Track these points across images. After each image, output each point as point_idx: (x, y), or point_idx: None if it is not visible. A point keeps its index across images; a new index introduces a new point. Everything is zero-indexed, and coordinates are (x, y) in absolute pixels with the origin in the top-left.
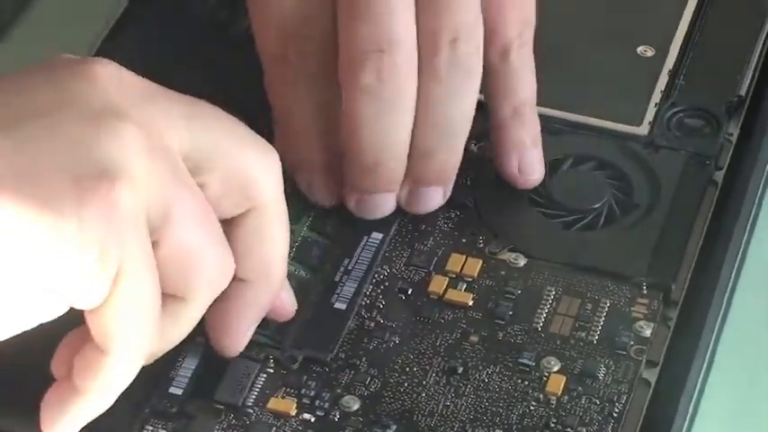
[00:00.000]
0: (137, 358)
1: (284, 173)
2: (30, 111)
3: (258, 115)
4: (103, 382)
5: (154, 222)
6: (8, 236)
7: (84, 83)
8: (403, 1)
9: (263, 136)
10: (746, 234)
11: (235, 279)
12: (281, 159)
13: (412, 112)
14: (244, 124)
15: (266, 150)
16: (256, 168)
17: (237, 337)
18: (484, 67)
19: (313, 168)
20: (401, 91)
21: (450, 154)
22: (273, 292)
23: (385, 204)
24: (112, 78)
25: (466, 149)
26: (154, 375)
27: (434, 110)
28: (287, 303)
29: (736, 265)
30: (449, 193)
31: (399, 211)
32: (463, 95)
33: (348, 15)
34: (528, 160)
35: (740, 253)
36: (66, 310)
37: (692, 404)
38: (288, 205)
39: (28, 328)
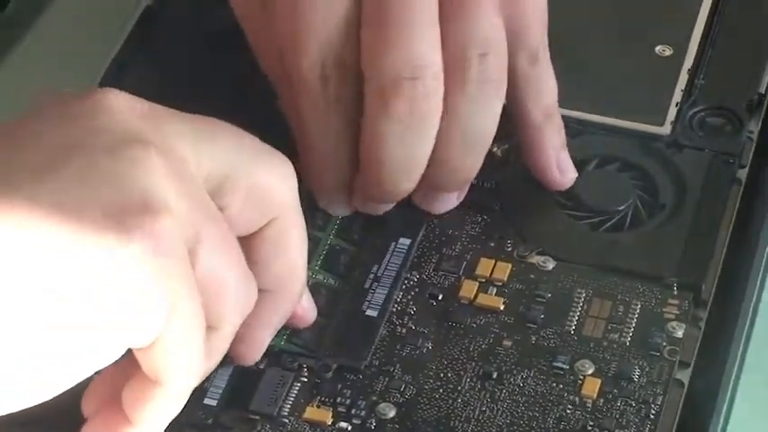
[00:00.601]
0: (189, 386)
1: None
2: (54, 154)
3: (270, 129)
4: (157, 412)
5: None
6: (63, 286)
7: (101, 115)
8: (429, 20)
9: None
10: None
11: None
12: (301, 176)
13: (437, 128)
14: (256, 138)
15: (281, 162)
16: (273, 181)
17: (256, 346)
18: (511, 73)
19: (334, 186)
20: (430, 115)
21: (472, 165)
22: (294, 301)
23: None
24: (127, 107)
25: (489, 153)
26: None
27: (461, 124)
28: (307, 310)
29: (763, 263)
30: (464, 195)
31: (426, 217)
32: (492, 108)
33: (375, 39)
34: (564, 160)
35: (766, 252)
36: (125, 351)
37: (726, 403)
38: (313, 213)
39: (88, 375)
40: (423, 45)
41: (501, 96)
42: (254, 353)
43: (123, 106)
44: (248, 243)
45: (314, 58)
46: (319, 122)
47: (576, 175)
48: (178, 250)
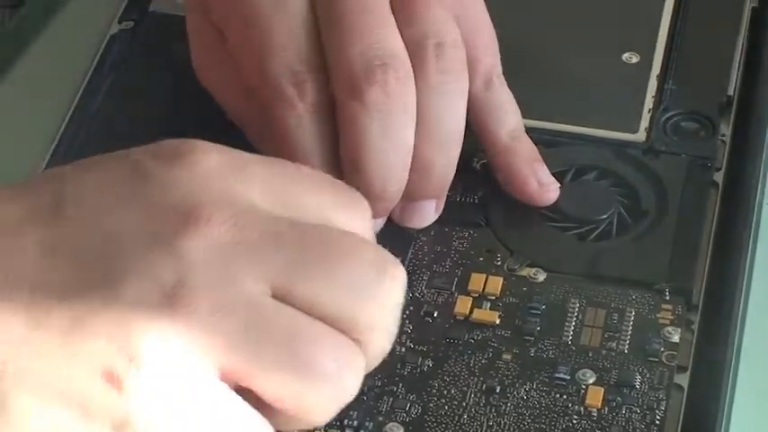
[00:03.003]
0: None
1: None
2: None
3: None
4: None
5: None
6: None
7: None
8: (386, 12)
9: None
10: (753, 232)
11: None
12: None
13: (415, 118)
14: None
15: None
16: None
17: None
18: (469, 98)
19: None
20: (406, 99)
21: (446, 165)
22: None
23: (380, 224)
24: (198, 241)
25: (470, 168)
26: None
27: (429, 119)
28: None
29: (748, 264)
30: (441, 208)
31: (413, 236)
32: (453, 100)
33: (338, 37)
34: (542, 173)
35: (750, 251)
36: None
37: (727, 405)
38: None
39: None
40: (385, 34)
41: (463, 90)
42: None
43: (198, 241)
44: None
45: (281, 63)
46: (301, 133)
47: (559, 188)
48: None
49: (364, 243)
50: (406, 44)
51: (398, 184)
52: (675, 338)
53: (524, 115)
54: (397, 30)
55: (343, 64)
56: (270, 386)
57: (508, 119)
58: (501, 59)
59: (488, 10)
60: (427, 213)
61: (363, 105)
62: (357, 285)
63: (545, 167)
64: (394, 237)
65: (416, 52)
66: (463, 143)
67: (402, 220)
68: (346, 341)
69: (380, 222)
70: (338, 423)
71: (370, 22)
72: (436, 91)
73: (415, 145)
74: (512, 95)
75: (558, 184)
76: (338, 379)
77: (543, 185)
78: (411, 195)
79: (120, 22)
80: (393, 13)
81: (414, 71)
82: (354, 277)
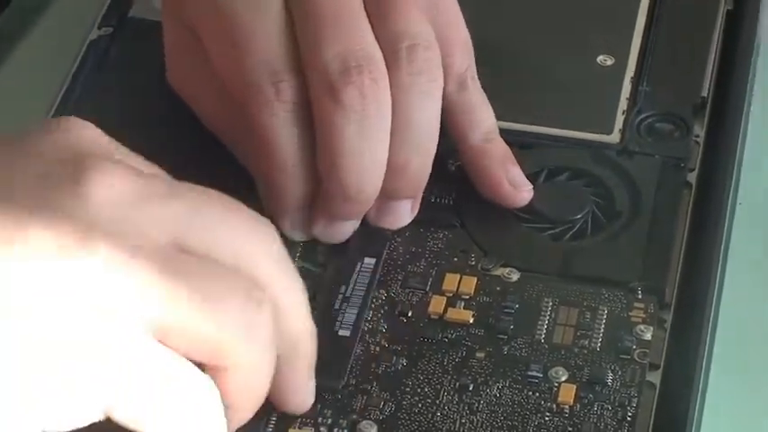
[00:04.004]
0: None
1: None
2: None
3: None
4: None
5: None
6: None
7: (70, 198)
8: (360, 14)
9: None
10: (726, 232)
11: None
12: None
13: (389, 129)
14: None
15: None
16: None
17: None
18: (443, 100)
19: (296, 206)
20: (381, 100)
21: (422, 165)
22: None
23: (352, 227)
24: (101, 190)
25: (445, 170)
26: None
27: (404, 119)
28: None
29: (720, 263)
30: (417, 209)
31: (389, 236)
32: (428, 102)
33: (313, 39)
34: (515, 174)
35: (723, 251)
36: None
37: (698, 402)
38: None
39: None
40: (360, 35)
41: (435, 92)
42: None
43: (101, 190)
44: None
45: (259, 62)
46: (278, 132)
47: (532, 189)
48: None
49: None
50: (380, 45)
51: (374, 185)
52: (647, 336)
53: (500, 117)
54: (372, 31)
55: (319, 65)
56: (188, 331)
57: (481, 121)
58: (477, 61)
59: (465, 12)
60: (403, 214)
61: (339, 106)
62: (250, 228)
63: (518, 169)
64: (369, 237)
65: (390, 53)
66: (439, 145)
67: (377, 220)
68: (247, 279)
69: (356, 223)
70: (311, 421)
71: (345, 24)
72: (409, 92)
73: (390, 145)
74: (485, 97)
75: (531, 186)
76: (250, 311)
77: (516, 187)
78: (386, 195)
79: (99, 28)
80: (367, 14)
81: (388, 72)
82: (247, 223)
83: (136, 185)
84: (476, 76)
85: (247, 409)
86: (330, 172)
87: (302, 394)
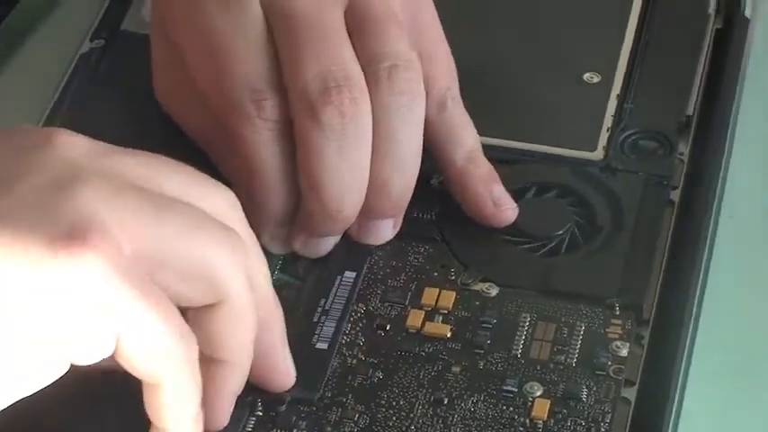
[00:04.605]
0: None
1: None
2: None
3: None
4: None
5: (144, 264)
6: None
7: (42, 151)
8: (341, 34)
9: None
10: (707, 250)
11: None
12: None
13: (370, 148)
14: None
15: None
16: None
17: (220, 412)
18: (425, 122)
19: (277, 220)
20: (361, 119)
21: (404, 184)
22: (243, 375)
23: (333, 243)
24: (70, 143)
25: (428, 185)
26: (148, 423)
27: (385, 138)
28: (285, 375)
29: (700, 281)
30: (399, 225)
31: (370, 250)
32: (409, 121)
33: (294, 58)
34: (499, 194)
35: (703, 269)
36: (68, 368)
37: (673, 419)
38: None
39: (32, 392)
40: (341, 55)
41: (416, 110)
42: (217, 419)
43: (66, 143)
44: (197, 318)
45: (241, 81)
46: (261, 150)
47: (517, 208)
48: (119, 263)
49: None
50: (361, 64)
51: (354, 204)
52: (623, 353)
53: (484, 132)
54: (352, 50)
55: (299, 85)
56: (178, 260)
57: (463, 141)
58: (464, 77)
59: (453, 27)
60: (384, 231)
61: (319, 126)
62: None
63: (501, 188)
64: (350, 251)
65: (371, 74)
66: (422, 162)
67: (359, 237)
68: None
69: (337, 238)
70: None
71: (326, 43)
72: (390, 112)
73: (372, 164)
74: (467, 117)
75: (515, 205)
76: (233, 236)
77: (498, 206)
78: (369, 214)
79: (91, 40)
80: (349, 32)
81: (369, 91)
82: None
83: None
84: (457, 96)
85: (241, 353)
86: (311, 190)
87: (283, 365)
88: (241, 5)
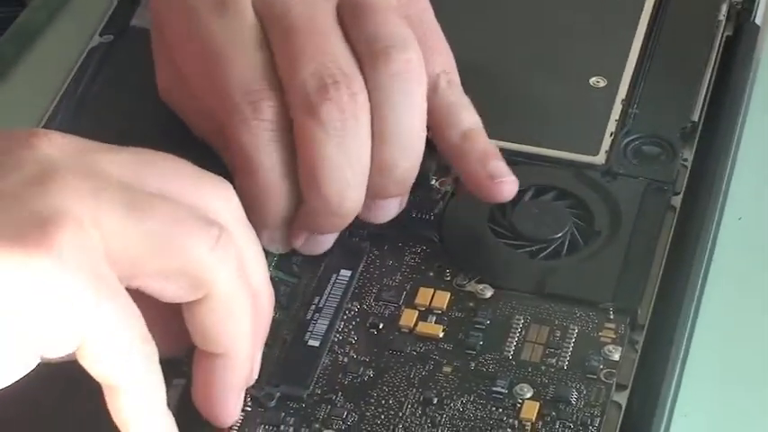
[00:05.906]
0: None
1: None
2: None
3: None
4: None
5: (122, 263)
6: None
7: (22, 150)
8: (333, 28)
9: None
10: (707, 257)
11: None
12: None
13: (370, 142)
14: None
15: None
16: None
17: (224, 407)
18: None
19: (276, 221)
20: (360, 113)
21: (409, 165)
22: (243, 367)
23: (332, 240)
24: (50, 142)
25: (426, 185)
26: None
27: (387, 121)
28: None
29: (698, 288)
30: (405, 203)
31: (366, 249)
32: (409, 101)
33: (289, 58)
34: (496, 168)
35: (701, 275)
36: (37, 362)
37: (664, 424)
38: None
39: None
40: (336, 50)
41: (416, 89)
42: (224, 417)
43: (47, 143)
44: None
45: (237, 83)
46: (260, 150)
47: (516, 181)
48: (88, 256)
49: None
50: (356, 51)
51: (356, 199)
52: (615, 357)
53: (489, 135)
54: (346, 44)
55: (297, 83)
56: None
57: (458, 120)
58: (470, 79)
59: (458, 30)
60: (390, 209)
61: (318, 123)
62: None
63: (499, 163)
64: (346, 250)
65: (368, 57)
66: (422, 162)
67: (366, 216)
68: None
69: (336, 235)
70: (274, 429)
71: (320, 40)
72: (390, 93)
73: (375, 148)
74: (466, 99)
75: (515, 178)
76: (215, 231)
77: (495, 179)
78: (375, 196)
79: (100, 35)
80: (344, 25)
81: (367, 77)
82: (211, 178)
83: (79, 143)
84: (453, 80)
85: (236, 345)
86: (312, 187)
87: (228, 405)
88: (235, 10)
